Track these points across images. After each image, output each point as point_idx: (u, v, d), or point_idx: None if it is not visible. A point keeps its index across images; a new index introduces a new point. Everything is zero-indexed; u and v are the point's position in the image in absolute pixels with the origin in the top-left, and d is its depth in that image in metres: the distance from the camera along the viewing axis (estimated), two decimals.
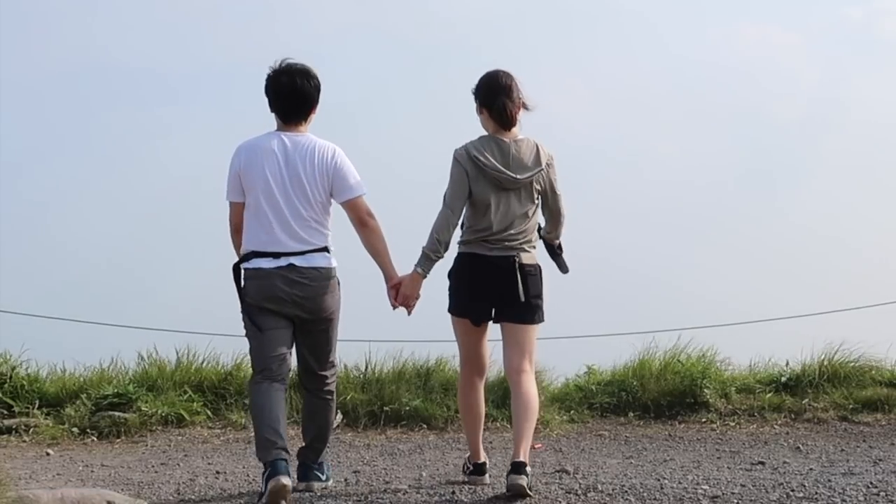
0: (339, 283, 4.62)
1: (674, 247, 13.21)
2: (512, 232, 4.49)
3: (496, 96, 4.52)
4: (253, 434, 4.59)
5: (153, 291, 11.48)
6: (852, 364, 7.87)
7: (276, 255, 4.46)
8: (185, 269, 12.06)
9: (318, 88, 4.62)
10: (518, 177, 4.46)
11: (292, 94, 4.56)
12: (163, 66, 15.31)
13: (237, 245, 4.65)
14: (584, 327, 9.26)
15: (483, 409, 4.78)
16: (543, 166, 4.53)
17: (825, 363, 7.83)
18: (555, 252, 4.85)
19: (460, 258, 4.60)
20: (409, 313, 4.62)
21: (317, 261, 4.50)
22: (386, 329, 7.57)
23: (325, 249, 4.54)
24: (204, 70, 15.52)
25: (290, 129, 4.58)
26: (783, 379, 7.81)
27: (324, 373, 4.70)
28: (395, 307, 4.60)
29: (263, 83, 4.62)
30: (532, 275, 4.55)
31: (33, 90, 14.34)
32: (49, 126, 14.55)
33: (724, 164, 15.03)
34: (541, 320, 4.61)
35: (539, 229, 4.72)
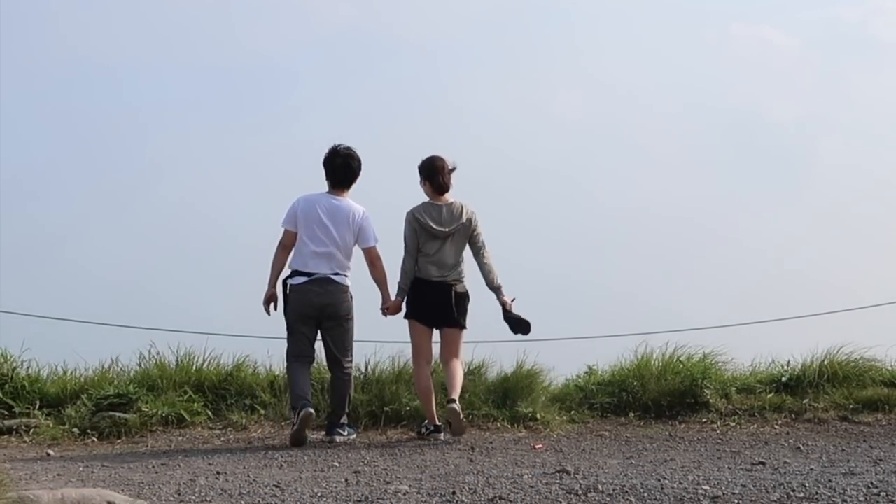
0: (351, 297, 6.62)
1: (672, 249, 13.21)
2: (446, 267, 6.66)
3: (434, 175, 6.74)
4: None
5: (154, 291, 11.49)
6: (853, 364, 7.86)
7: (311, 275, 6.50)
8: (186, 270, 12.08)
9: (360, 166, 6.70)
10: (446, 230, 6.65)
11: (343, 170, 6.64)
12: (151, 68, 15.32)
13: (280, 258, 6.64)
14: (585, 328, 9.27)
15: (432, 385, 6.68)
16: (465, 220, 6.69)
17: (826, 363, 7.82)
18: (510, 317, 6.65)
19: (415, 281, 6.71)
20: (392, 315, 6.76)
21: (337, 279, 6.55)
22: (386, 330, 7.60)
23: (345, 275, 6.58)
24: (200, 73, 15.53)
25: (337, 193, 6.65)
26: (784, 379, 7.81)
27: (343, 359, 6.60)
28: (385, 315, 6.78)
29: (322, 158, 6.68)
30: (462, 298, 6.70)
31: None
32: (55, 127, 14.58)
33: (721, 166, 15.05)
34: (465, 327, 6.72)
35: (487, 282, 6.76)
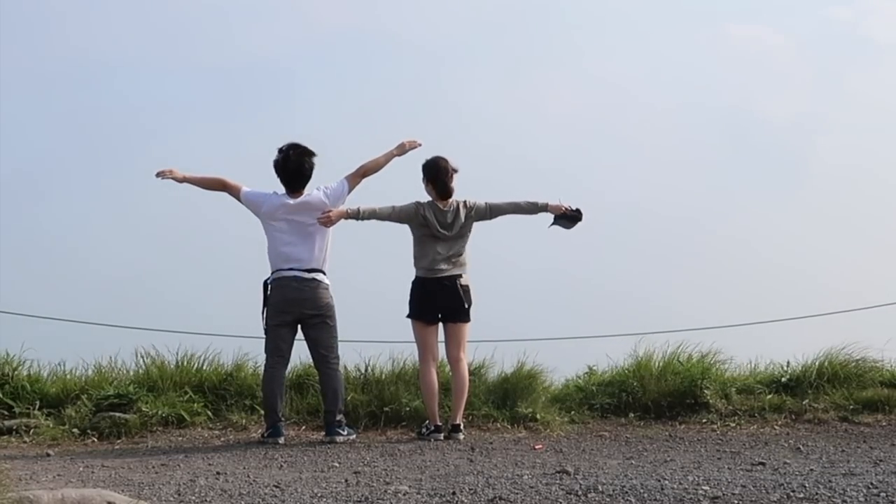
0: (331, 297, 6.62)
1: (672, 248, 13.21)
2: (449, 261, 6.66)
3: (438, 177, 6.73)
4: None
5: (155, 291, 11.48)
6: (853, 365, 7.86)
7: (288, 271, 6.54)
8: (187, 269, 12.07)
9: (312, 165, 6.64)
10: (448, 233, 6.68)
11: (297, 171, 6.62)
12: (152, 68, 15.35)
13: (212, 177, 6.79)
14: (585, 328, 9.27)
15: (437, 384, 6.72)
16: (463, 221, 6.69)
17: (825, 364, 7.82)
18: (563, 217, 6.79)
19: (417, 280, 6.76)
20: (329, 221, 6.54)
21: (314, 275, 6.57)
22: (386, 330, 7.60)
23: (321, 272, 6.61)
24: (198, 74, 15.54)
25: (294, 195, 6.62)
26: (784, 379, 7.81)
27: (329, 357, 6.60)
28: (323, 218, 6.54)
29: (273, 160, 6.63)
30: (466, 291, 6.72)
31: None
32: (57, 126, 14.58)
33: (719, 164, 15.05)
34: (469, 320, 6.74)
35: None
